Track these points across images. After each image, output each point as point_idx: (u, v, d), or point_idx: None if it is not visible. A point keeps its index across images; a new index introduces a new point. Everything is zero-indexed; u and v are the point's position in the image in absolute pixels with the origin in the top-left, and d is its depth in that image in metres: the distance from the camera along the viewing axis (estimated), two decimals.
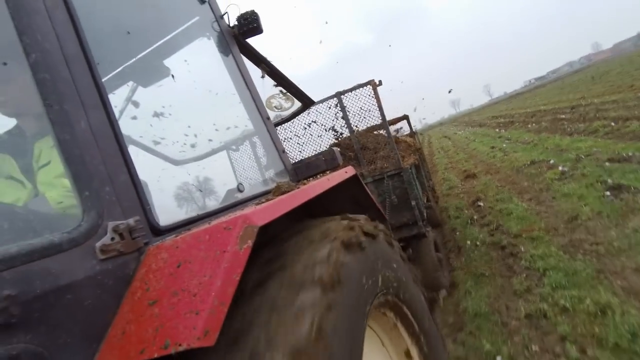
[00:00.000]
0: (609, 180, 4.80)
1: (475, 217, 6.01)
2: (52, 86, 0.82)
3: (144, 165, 2.13)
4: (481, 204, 6.65)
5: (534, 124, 14.91)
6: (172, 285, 0.78)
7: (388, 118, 4.29)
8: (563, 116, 13.27)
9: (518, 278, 3.49)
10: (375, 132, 4.36)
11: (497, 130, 19.07)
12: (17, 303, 0.63)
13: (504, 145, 12.69)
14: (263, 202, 1.05)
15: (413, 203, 3.81)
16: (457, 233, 5.60)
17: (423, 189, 5.40)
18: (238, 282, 0.75)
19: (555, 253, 3.63)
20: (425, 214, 4.17)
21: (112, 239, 0.82)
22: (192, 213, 1.11)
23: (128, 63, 1.99)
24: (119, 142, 0.94)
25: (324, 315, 0.79)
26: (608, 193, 4.47)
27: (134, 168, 0.96)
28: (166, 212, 1.05)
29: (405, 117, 6.76)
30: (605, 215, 3.96)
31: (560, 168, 6.57)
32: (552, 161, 7.31)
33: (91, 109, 0.90)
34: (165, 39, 1.94)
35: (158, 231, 0.95)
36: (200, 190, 1.35)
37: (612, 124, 8.40)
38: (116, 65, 1.97)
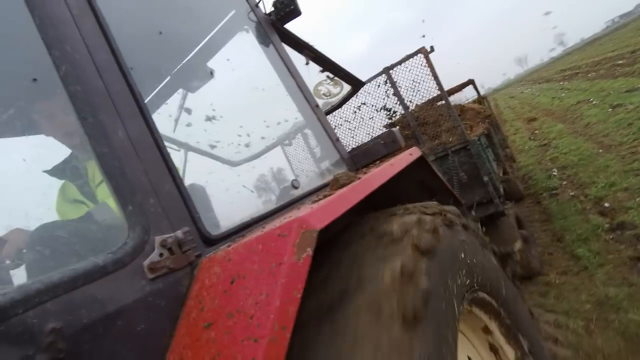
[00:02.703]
0: (614, 102, 8.44)
1: (532, 138, 10.53)
2: (84, 98, 0.77)
3: (195, 171, 2.13)
4: (537, 132, 11.02)
5: (593, 73, 17.38)
6: (227, 305, 0.68)
7: (449, 87, 3.89)
8: (620, 62, 15.64)
9: (549, 151, 7.80)
10: (437, 104, 3.97)
11: (561, 83, 21.99)
12: (64, 336, 0.58)
13: (563, 95, 16.17)
14: (321, 199, 0.92)
15: (486, 179, 3.39)
16: (520, 146, 10.20)
17: (498, 160, 4.83)
18: (300, 299, 0.63)
19: (570, 139, 7.84)
20: (501, 190, 3.71)
21: (161, 254, 0.74)
22: (247, 217, 1.01)
23: (174, 71, 1.99)
24: (161, 150, 0.87)
25: (408, 348, 0.63)
26: (610, 109, 8.15)
27: (179, 176, 0.88)
28: (218, 218, 0.97)
29: (471, 82, 6.14)
30: (602, 120, 7.70)
31: (593, 102, 10.19)
32: (591, 99, 10.86)
33: (128, 118, 0.83)
34: (205, 40, 1.90)
35: (210, 241, 0.87)
36: (252, 191, 1.27)
37: None
38: (162, 74, 1.98)
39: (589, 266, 2.99)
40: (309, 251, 0.66)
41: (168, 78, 2.04)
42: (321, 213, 0.74)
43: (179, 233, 0.79)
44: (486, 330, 1.35)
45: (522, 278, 3.38)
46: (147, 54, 1.36)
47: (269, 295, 0.62)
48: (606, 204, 3.79)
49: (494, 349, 1.36)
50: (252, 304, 0.64)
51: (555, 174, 5.93)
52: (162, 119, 2.19)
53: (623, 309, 2.33)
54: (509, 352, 1.35)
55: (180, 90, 2.18)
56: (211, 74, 1.94)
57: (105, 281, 0.66)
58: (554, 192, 5.10)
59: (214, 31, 1.87)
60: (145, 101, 1.97)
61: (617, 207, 3.66)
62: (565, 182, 5.28)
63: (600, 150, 5.79)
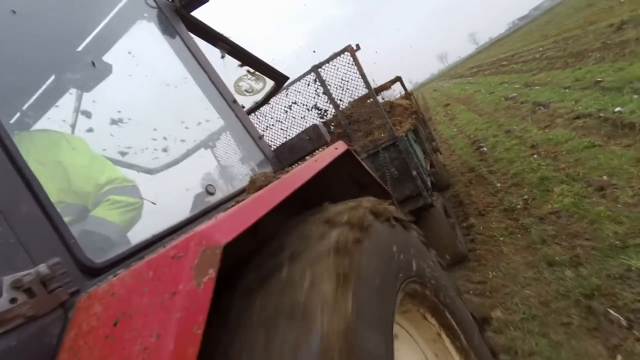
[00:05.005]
0: (491, 91, 14.40)
1: (445, 116, 15.65)
2: None
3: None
4: (449, 112, 16.20)
5: (488, 70, 24.69)
6: (109, 355, 0.53)
7: (380, 83, 3.99)
8: (504, 62, 22.50)
9: (454, 121, 13.37)
10: (369, 101, 4.05)
11: (468, 78, 30.10)
12: None
13: (467, 87, 23.00)
14: (234, 205, 0.79)
15: (414, 173, 3.54)
16: (438, 120, 15.62)
17: (425, 154, 5.11)
18: (201, 336, 0.50)
19: (465, 113, 13.29)
20: (429, 182, 3.92)
21: (13, 300, 0.56)
22: (147, 236, 0.84)
23: (61, 66, 1.68)
24: (14, 161, 0.67)
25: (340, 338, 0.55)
26: (488, 95, 14.00)
27: (45, 193, 0.69)
28: (106, 242, 0.79)
29: (398, 79, 6.39)
30: (483, 102, 13.41)
31: (482, 91, 15.82)
32: (481, 89, 16.64)
33: None
34: (97, 31, 1.62)
35: (94, 271, 0.70)
36: (154, 203, 1.09)
37: (514, 65, 17.50)
38: (46, 71, 1.66)
39: (460, 154, 7.61)
40: (212, 273, 0.54)
41: (52, 77, 1.72)
42: (228, 224, 0.62)
43: (43, 267, 0.60)
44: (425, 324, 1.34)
45: (453, 262, 3.62)
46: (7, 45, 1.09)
47: (159, 337, 0.49)
48: (472, 136, 8.95)
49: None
50: (140, 351, 0.50)
51: (455, 130, 11.38)
52: (54, 124, 1.86)
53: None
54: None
55: (73, 91, 1.87)
56: (93, 63, 1.68)
57: None
58: (453, 137, 10.41)
59: (106, 20, 1.60)
60: (28, 103, 1.61)
61: (474, 135, 8.79)
62: (459, 133, 10.53)
63: (477, 116, 11.27)
